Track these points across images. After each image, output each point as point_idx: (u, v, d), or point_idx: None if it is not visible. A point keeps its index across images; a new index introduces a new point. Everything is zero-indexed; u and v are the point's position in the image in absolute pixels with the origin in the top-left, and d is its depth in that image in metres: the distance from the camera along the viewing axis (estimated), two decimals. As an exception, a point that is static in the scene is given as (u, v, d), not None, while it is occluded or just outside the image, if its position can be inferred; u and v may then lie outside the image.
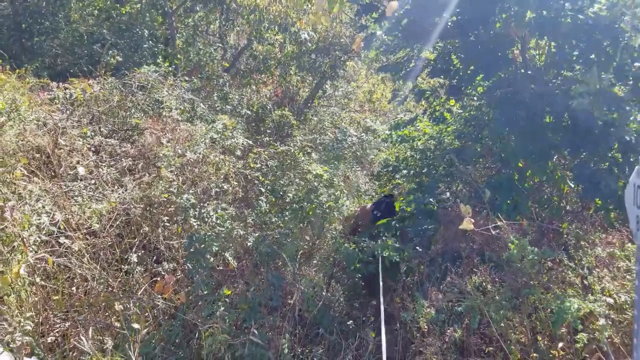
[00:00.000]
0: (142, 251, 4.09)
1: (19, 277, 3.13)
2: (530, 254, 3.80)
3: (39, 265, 3.48)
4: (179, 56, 8.78)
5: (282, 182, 4.90)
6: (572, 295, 3.69)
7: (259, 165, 5.08)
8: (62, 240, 3.71)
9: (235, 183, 4.91)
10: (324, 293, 4.55)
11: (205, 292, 3.83)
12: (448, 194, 4.68)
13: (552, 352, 3.63)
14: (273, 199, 4.81)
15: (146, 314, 3.67)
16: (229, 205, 4.55)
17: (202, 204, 4.22)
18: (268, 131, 7.74)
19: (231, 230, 4.16)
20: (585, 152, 4.71)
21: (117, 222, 4.05)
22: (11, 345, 3.05)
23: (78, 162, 4.45)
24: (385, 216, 5.18)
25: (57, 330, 3.56)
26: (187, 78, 6.89)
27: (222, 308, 3.68)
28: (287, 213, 4.66)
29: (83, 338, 3.13)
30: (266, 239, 4.30)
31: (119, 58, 7.29)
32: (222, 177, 4.86)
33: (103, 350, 3.32)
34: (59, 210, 3.89)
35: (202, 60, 9.45)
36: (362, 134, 7.63)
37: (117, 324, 3.60)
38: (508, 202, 4.85)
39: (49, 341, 3.47)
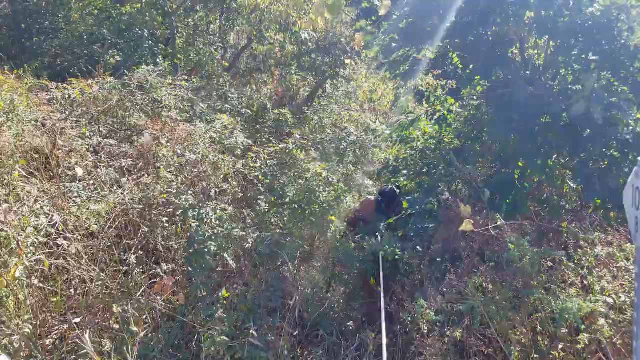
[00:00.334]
0: (141, 252, 4.07)
1: (15, 280, 3.12)
2: (529, 253, 3.79)
3: (36, 268, 3.47)
4: (179, 56, 8.76)
5: (281, 182, 4.89)
6: (573, 296, 3.68)
7: (258, 165, 5.06)
8: (60, 241, 3.69)
9: (235, 183, 4.90)
10: (323, 294, 4.54)
11: (205, 294, 3.82)
12: (448, 194, 4.66)
13: (552, 352, 3.62)
14: (272, 198, 4.80)
15: (145, 316, 3.66)
16: (228, 205, 4.54)
17: (201, 205, 4.21)
18: (267, 130, 7.72)
19: (231, 230, 4.15)
20: (584, 152, 4.70)
21: (116, 223, 4.04)
22: (9, 348, 3.05)
23: (76, 163, 4.44)
24: (389, 203, 5.19)
25: (55, 332, 3.55)
26: (187, 78, 6.87)
27: (222, 310, 3.67)
28: (286, 213, 4.65)
29: (84, 339, 3.12)
30: (266, 240, 4.29)
31: (118, 58, 7.27)
32: (221, 177, 4.85)
33: (101, 352, 3.31)
34: (57, 211, 3.88)
35: (202, 60, 9.44)
36: (362, 134, 7.62)
37: (116, 326, 3.59)
38: (508, 201, 4.84)
39: (47, 343, 3.47)
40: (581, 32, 4.55)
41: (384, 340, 3.52)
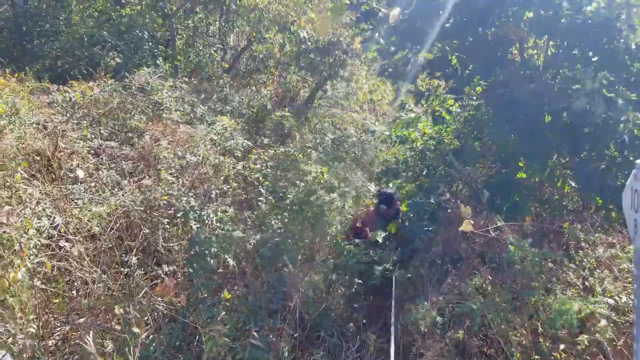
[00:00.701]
0: (142, 254, 4.08)
1: (17, 282, 3.13)
2: (530, 254, 3.79)
3: (39, 270, 3.48)
4: (179, 57, 8.77)
5: (281, 184, 4.90)
6: (574, 297, 3.68)
7: (258, 167, 5.07)
8: (62, 243, 3.71)
9: (235, 185, 4.91)
10: (324, 295, 4.54)
11: (206, 295, 3.83)
12: (448, 194, 4.67)
13: (553, 353, 3.63)
14: (273, 200, 4.81)
15: (146, 317, 3.67)
16: (229, 207, 4.55)
17: (202, 206, 4.22)
18: (268, 132, 7.73)
19: (232, 232, 4.16)
20: (584, 151, 4.71)
21: (117, 225, 4.05)
22: (13, 348, 3.06)
23: (78, 165, 4.45)
24: (389, 204, 5.17)
25: (58, 333, 3.56)
26: (187, 79, 6.88)
27: (224, 312, 3.68)
28: (286, 214, 4.66)
29: (86, 341, 3.13)
30: (267, 241, 4.30)
31: (118, 60, 7.28)
32: (222, 178, 4.86)
33: (103, 353, 3.32)
34: (59, 213, 3.89)
35: (202, 61, 9.45)
36: (362, 135, 7.62)
37: (118, 327, 3.60)
38: (508, 202, 4.85)
39: (49, 344, 3.48)
40: (581, 31, 4.56)
41: (392, 349, 3.53)
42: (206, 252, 3.88)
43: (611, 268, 3.93)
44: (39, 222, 3.66)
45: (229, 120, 5.69)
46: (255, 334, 3.64)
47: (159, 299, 3.80)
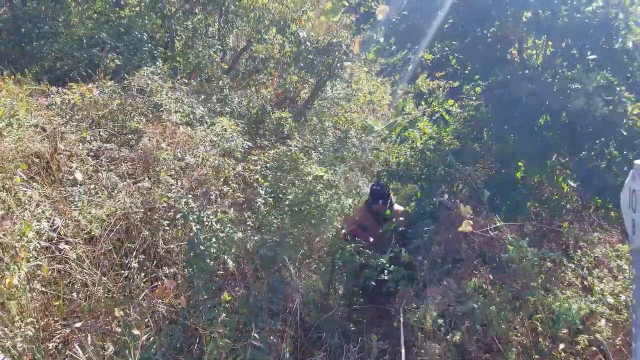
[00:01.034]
0: (142, 256, 4.09)
1: (12, 287, 3.13)
2: (529, 254, 3.79)
3: (38, 273, 3.48)
4: (178, 58, 8.77)
5: (281, 185, 4.90)
6: (573, 296, 3.69)
7: (258, 167, 5.07)
8: (62, 245, 3.71)
9: (235, 186, 4.91)
10: (325, 296, 4.55)
11: (206, 297, 3.83)
12: (447, 195, 4.67)
13: (553, 353, 3.63)
14: (273, 201, 4.81)
15: (147, 319, 3.67)
16: (229, 208, 4.55)
17: (201, 208, 4.22)
18: (267, 133, 7.73)
19: (232, 233, 4.16)
20: (583, 151, 4.72)
21: (117, 227, 4.05)
22: (12, 352, 3.06)
23: (77, 167, 4.45)
24: (383, 198, 5.16)
25: (58, 336, 3.56)
26: (186, 80, 6.89)
27: (224, 314, 3.68)
28: (286, 215, 4.66)
29: (82, 346, 3.13)
30: (267, 242, 4.30)
31: (118, 61, 7.29)
32: (221, 180, 4.86)
33: (104, 356, 3.33)
34: (58, 215, 3.90)
35: (201, 62, 9.46)
36: (362, 135, 7.63)
37: (118, 329, 3.60)
38: (508, 202, 4.85)
39: (50, 347, 3.48)
40: (579, 31, 4.57)
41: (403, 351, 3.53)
42: (206, 253, 3.89)
43: (610, 267, 3.93)
44: (38, 225, 3.66)
45: (228, 122, 5.69)
46: (256, 335, 3.64)
47: (159, 301, 3.80)
